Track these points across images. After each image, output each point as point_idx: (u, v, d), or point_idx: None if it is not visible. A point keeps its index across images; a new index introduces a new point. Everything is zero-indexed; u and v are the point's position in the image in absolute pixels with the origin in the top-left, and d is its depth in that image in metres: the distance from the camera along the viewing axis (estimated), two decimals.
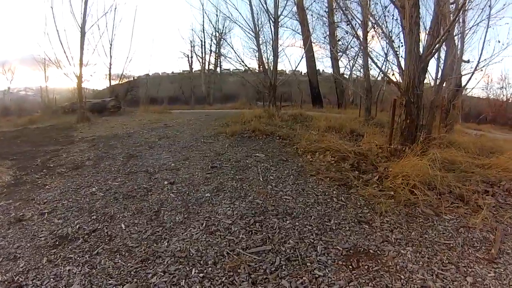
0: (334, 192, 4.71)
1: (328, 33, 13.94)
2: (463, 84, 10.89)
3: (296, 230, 3.65)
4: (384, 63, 8.62)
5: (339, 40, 14.16)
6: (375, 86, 13.36)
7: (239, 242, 3.45)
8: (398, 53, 6.38)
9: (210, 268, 3.00)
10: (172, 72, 24.29)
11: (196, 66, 21.04)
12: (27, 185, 5.71)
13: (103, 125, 11.85)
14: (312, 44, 12.76)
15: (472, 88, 12.09)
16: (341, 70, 15.08)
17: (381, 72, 6.83)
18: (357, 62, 13.81)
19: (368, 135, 7.17)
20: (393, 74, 6.97)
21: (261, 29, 12.24)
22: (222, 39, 16.29)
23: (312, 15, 13.90)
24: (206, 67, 19.30)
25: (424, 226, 3.81)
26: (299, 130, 8.38)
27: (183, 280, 2.85)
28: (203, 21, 17.04)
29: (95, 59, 20.89)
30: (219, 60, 19.39)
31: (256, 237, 3.52)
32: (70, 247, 3.51)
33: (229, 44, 14.92)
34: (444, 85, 9.01)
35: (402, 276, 2.84)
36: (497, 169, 5.55)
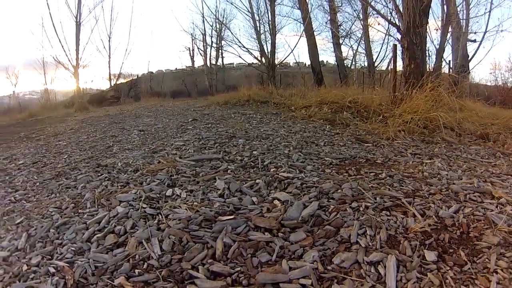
0: (328, 127, 4.06)
1: (329, 18, 13.38)
2: (470, 57, 10.20)
3: (265, 145, 3.00)
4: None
5: (340, 25, 13.62)
6: (380, 76, 12.68)
7: (181, 154, 2.89)
8: None
9: (126, 175, 2.47)
10: (176, 68, 24.07)
11: (199, 62, 21.02)
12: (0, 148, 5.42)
13: (100, 111, 11.56)
14: (312, 24, 12.17)
15: (480, 62, 11.24)
16: (344, 60, 14.38)
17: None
18: (360, 46, 13.10)
19: (369, 93, 6.47)
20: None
21: (261, 15, 11.87)
22: (223, 29, 15.96)
23: None
24: (208, 61, 19.11)
25: (450, 148, 3.11)
26: (295, 99, 7.75)
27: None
28: (203, 13, 16.81)
29: (93, 52, 20.70)
30: (221, 52, 19.14)
31: (207, 151, 2.92)
32: None
33: (229, 29, 14.48)
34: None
35: (433, 181, 2.05)
36: None
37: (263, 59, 11.35)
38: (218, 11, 17.02)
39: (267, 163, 2.44)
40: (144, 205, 1.79)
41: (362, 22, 10.53)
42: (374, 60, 10.83)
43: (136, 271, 1.27)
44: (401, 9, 5.59)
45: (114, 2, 22.33)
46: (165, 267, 1.28)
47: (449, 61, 9.54)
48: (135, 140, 3.97)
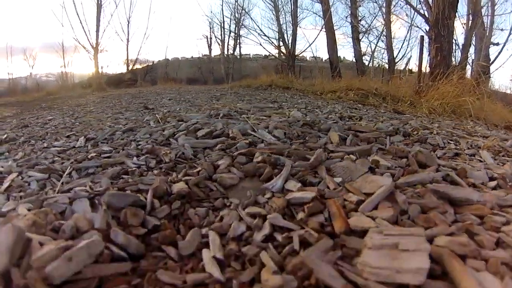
0: (359, 105, 4.14)
1: (350, 12, 13.36)
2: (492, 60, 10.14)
3: (314, 103, 3.22)
4: None
5: (361, 19, 13.58)
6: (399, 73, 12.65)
7: (233, 103, 3.05)
8: None
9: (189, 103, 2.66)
10: (192, 56, 24.06)
11: (216, 51, 21.10)
12: (23, 115, 5.49)
13: (118, 92, 11.71)
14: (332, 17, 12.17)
15: (502, 65, 11.17)
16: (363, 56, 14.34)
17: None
18: (381, 40, 13.06)
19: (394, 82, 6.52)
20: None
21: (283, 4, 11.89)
22: (242, 18, 15.95)
23: None
24: (226, 49, 19.20)
25: (482, 126, 3.22)
26: (319, 86, 7.80)
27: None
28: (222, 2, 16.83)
29: (112, 35, 20.92)
30: (238, 41, 19.17)
31: (256, 104, 3.09)
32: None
33: (250, 16, 14.52)
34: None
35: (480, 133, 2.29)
36: None
37: (283, 49, 11.38)
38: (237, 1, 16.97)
39: (326, 111, 2.61)
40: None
41: (384, 16, 10.51)
42: (395, 56, 10.79)
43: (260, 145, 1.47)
44: (429, 1, 5.64)
45: None
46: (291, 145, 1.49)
47: (472, 60, 9.52)
48: (169, 104, 4.05)
